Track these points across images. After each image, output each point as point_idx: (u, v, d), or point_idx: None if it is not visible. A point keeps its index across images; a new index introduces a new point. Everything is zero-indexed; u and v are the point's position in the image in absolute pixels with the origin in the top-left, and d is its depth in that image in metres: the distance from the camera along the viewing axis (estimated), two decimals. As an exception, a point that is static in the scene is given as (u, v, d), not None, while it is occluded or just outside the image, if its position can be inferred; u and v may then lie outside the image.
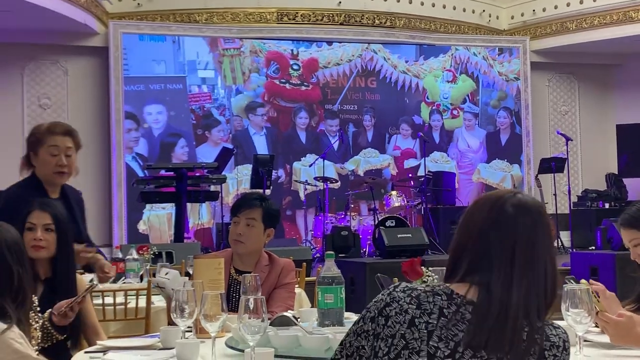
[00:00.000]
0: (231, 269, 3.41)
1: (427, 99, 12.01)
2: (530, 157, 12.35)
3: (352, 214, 10.16)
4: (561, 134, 11.35)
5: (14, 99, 10.35)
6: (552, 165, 10.82)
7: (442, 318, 1.60)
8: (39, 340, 2.66)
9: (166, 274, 3.14)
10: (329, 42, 11.64)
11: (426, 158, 10.85)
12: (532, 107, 12.44)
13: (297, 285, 4.63)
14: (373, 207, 9.92)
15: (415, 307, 1.62)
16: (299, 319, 2.62)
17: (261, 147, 11.13)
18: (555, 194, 10.97)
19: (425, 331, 1.59)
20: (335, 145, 11.10)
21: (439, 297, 1.63)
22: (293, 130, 11.43)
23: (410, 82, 11.95)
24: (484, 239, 1.67)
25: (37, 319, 2.68)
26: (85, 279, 3.41)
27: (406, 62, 11.95)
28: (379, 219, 9.42)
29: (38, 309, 2.71)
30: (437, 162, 11.83)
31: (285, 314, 2.65)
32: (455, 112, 12.16)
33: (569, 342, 1.67)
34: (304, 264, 5.55)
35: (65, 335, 2.84)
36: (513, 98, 12.39)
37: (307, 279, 5.52)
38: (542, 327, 1.62)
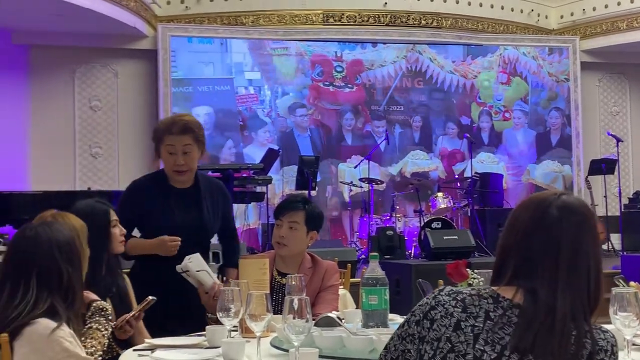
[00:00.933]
0: (274, 271, 3.42)
1: (479, 99, 11.93)
2: (580, 158, 12.17)
3: (398, 215, 10.12)
4: (612, 135, 11.16)
5: (66, 101, 10.56)
6: (603, 166, 10.65)
7: (488, 321, 1.59)
8: (105, 348, 2.70)
9: (189, 259, 3.21)
10: (374, 43, 11.62)
11: (473, 159, 10.76)
12: (582, 108, 12.25)
13: (341, 287, 4.65)
14: (419, 208, 9.87)
15: (460, 310, 1.62)
16: (343, 320, 2.62)
17: (306, 148, 11.16)
18: (605, 196, 10.80)
19: (471, 334, 1.58)
20: (382, 147, 11.07)
21: (485, 301, 1.62)
22: (339, 131, 11.44)
23: (457, 82, 11.87)
24: (528, 242, 1.66)
25: (107, 327, 2.73)
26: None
27: (453, 62, 11.87)
28: (425, 221, 9.37)
29: (110, 317, 2.76)
30: (484, 162, 11.73)
31: (329, 314, 2.66)
32: (507, 114, 12.06)
33: (617, 346, 1.65)
34: (349, 265, 5.56)
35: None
36: (564, 99, 12.22)
37: (351, 280, 5.54)
38: (590, 331, 1.60)
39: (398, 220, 9.99)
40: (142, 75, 10.88)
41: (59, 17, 9.46)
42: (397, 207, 10.34)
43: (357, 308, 3.60)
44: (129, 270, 3.66)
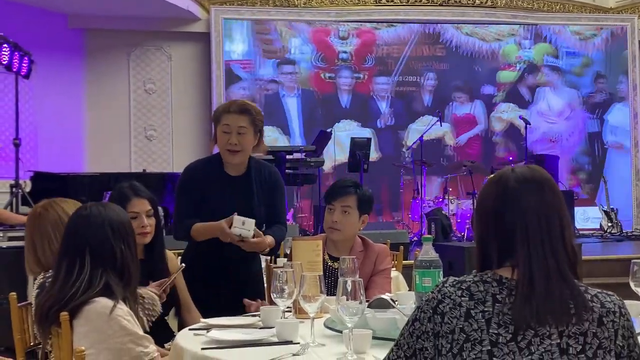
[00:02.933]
0: (325, 255, 3.41)
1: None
2: (638, 139, 11.91)
3: (450, 197, 10.04)
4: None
5: (121, 84, 10.72)
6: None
7: (497, 304, 1.61)
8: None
9: (243, 223, 3.25)
10: (428, 23, 11.53)
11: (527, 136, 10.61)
12: (640, 88, 11.99)
13: (394, 269, 4.65)
14: (472, 190, 9.78)
15: (468, 298, 1.62)
16: (396, 302, 2.62)
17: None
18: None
19: (483, 320, 1.59)
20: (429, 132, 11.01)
21: (489, 285, 1.64)
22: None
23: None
24: (499, 221, 1.69)
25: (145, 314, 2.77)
26: (176, 259, 3.48)
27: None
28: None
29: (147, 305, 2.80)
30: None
31: (383, 296, 2.66)
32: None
33: (625, 307, 1.66)
34: (401, 247, 5.55)
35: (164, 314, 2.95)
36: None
37: (404, 262, 5.52)
38: (597, 295, 1.64)
39: (451, 202, 9.91)
40: (195, 57, 10.97)
41: (114, 0, 9.59)
42: (450, 189, 10.26)
43: (409, 290, 3.59)
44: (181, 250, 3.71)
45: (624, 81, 12.02)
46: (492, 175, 1.82)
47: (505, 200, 1.70)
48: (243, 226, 3.25)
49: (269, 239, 3.44)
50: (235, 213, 3.29)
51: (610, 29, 12.02)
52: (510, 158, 11.05)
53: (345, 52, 11.37)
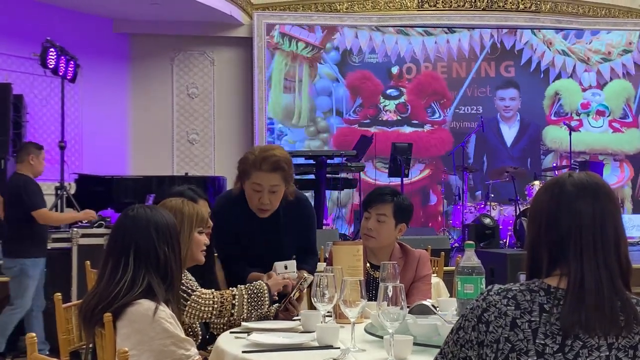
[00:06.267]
0: (367, 264, 3.39)
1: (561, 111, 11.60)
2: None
3: (492, 203, 9.95)
4: None
5: (165, 88, 10.84)
6: None
7: (544, 314, 1.57)
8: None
9: (285, 267, 3.18)
10: (468, 28, 11.45)
11: (572, 146, 10.47)
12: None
13: (434, 275, 4.62)
14: (514, 197, 9.68)
15: (514, 307, 1.59)
16: (437, 308, 2.60)
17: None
18: None
19: (529, 330, 1.56)
20: (474, 140, 10.95)
21: (536, 294, 1.60)
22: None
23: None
24: (553, 225, 1.66)
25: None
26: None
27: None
28: (521, 210, 9.18)
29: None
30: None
31: (424, 302, 2.65)
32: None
33: None
34: (442, 253, 5.52)
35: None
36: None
37: (445, 268, 5.49)
38: (638, 301, 1.60)
39: (493, 208, 9.82)
40: (238, 62, 11.05)
41: (156, 5, 9.70)
42: (492, 195, 10.18)
43: (450, 296, 3.56)
44: None
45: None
46: (547, 181, 1.78)
47: (560, 204, 1.66)
48: (286, 270, 3.19)
49: (306, 275, 3.41)
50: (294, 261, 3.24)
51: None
52: (554, 164, 10.91)
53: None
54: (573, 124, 11.08)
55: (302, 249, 3.54)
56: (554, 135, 11.56)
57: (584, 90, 11.62)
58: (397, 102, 11.10)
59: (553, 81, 11.57)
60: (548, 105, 11.60)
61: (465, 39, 11.31)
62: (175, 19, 10.38)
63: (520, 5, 11.41)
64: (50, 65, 8.13)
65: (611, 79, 11.68)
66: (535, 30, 11.47)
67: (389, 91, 11.13)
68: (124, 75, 10.71)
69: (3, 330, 5.78)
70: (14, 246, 5.84)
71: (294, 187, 3.48)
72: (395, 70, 11.12)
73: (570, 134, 10.33)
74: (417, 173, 10.97)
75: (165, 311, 2.36)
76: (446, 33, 11.26)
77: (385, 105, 11.14)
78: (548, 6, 11.50)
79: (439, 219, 11.11)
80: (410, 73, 11.19)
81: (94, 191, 7.86)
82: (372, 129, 10.92)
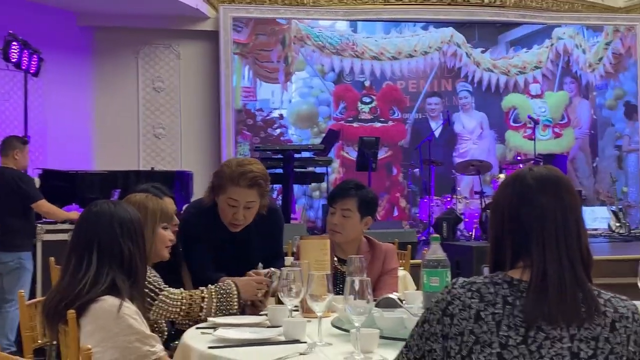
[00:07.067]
0: (334, 258, 3.40)
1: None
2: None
3: (458, 197, 10.04)
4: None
5: (130, 82, 10.73)
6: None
7: (507, 306, 1.59)
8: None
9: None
10: (427, 24, 11.56)
11: (536, 141, 10.60)
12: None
13: (401, 268, 4.64)
14: (480, 190, 9.77)
15: (478, 300, 1.61)
16: (404, 301, 2.62)
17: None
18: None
19: (493, 322, 1.58)
20: (438, 131, 11.05)
21: (500, 286, 1.62)
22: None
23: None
24: (515, 219, 1.68)
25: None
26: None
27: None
28: (486, 203, 9.27)
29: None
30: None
31: (390, 295, 2.66)
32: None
33: (639, 313, 1.64)
34: (409, 246, 5.55)
35: None
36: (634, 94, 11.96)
37: (412, 261, 5.52)
38: (610, 300, 1.62)
39: (459, 202, 9.90)
40: (204, 56, 10.98)
41: (123, -1, 9.61)
42: (458, 188, 10.26)
43: (417, 289, 3.58)
44: None
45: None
46: (509, 174, 1.80)
47: (522, 198, 1.68)
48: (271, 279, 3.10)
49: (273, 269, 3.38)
50: (261, 264, 3.21)
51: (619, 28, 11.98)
52: (519, 157, 11.03)
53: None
54: (527, 132, 11.27)
55: (269, 255, 3.52)
56: (515, 140, 11.75)
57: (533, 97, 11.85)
58: (370, 106, 11.52)
59: (504, 95, 11.82)
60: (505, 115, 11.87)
61: (421, 61, 11.64)
62: (141, 12, 10.27)
63: (486, 0, 11.48)
64: (13, 59, 8.01)
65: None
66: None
67: (364, 98, 11.49)
68: (89, 69, 10.58)
69: (11, 329, 5.71)
70: (10, 239, 5.77)
71: (268, 201, 3.41)
72: (367, 83, 11.54)
73: (534, 129, 10.46)
74: (383, 154, 11.14)
75: (130, 307, 2.34)
76: (407, 57, 11.54)
77: (362, 108, 11.49)
78: (513, 1, 11.59)
79: (403, 205, 11.22)
80: (379, 86, 11.58)
81: (58, 186, 7.75)
82: (355, 124, 11.28)
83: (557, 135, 11.96)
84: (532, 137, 10.37)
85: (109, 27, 10.51)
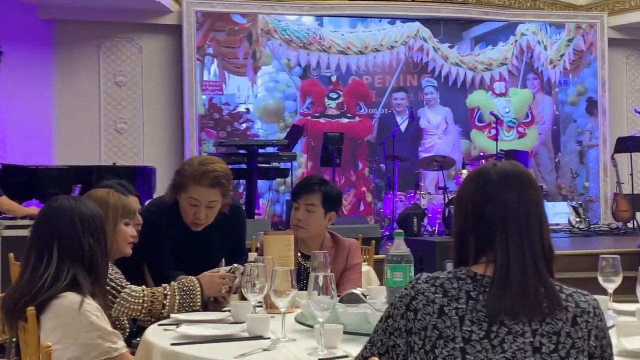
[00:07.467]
0: (297, 254, 3.38)
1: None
2: (606, 136, 12.05)
3: (422, 192, 10.10)
4: (639, 112, 11.01)
5: (91, 76, 10.60)
6: (630, 144, 10.52)
7: (471, 301, 1.60)
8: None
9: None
10: (393, 19, 11.59)
11: (499, 137, 10.70)
12: (609, 85, 12.11)
13: (365, 263, 4.65)
14: (443, 185, 9.83)
15: (441, 295, 1.62)
16: (367, 297, 2.62)
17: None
18: (631, 174, 10.68)
19: (456, 317, 1.59)
20: (403, 126, 11.11)
21: (463, 281, 1.63)
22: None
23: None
24: (479, 215, 1.69)
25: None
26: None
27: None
28: (449, 198, 9.34)
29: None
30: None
31: (354, 291, 2.66)
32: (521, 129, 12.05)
33: (600, 308, 1.67)
34: (373, 241, 5.56)
35: None
36: (595, 90, 12.14)
37: (375, 256, 5.53)
38: (572, 294, 1.64)
39: (422, 197, 9.96)
40: (167, 50, 10.88)
41: (84, -8, 9.49)
42: (421, 184, 10.32)
43: (381, 284, 3.60)
44: None
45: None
46: (473, 170, 1.81)
47: (485, 193, 1.69)
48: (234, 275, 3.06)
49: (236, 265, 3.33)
50: (223, 260, 3.17)
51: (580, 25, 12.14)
52: (481, 153, 11.13)
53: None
54: (492, 132, 11.40)
55: (232, 252, 3.48)
56: (480, 141, 11.85)
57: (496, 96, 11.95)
58: (337, 101, 11.53)
59: (470, 92, 11.88)
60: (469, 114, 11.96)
61: (387, 55, 11.64)
62: (102, 5, 10.15)
63: (449, -4, 11.58)
64: (-29, 51, 7.88)
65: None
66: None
67: (330, 94, 11.51)
68: (49, 63, 10.43)
69: None
70: None
71: (230, 200, 3.39)
72: (334, 78, 11.53)
73: (497, 129, 10.56)
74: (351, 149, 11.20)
75: (91, 304, 2.32)
76: (374, 52, 11.56)
77: (329, 104, 11.49)
78: (475, -2, 11.70)
79: (369, 200, 11.26)
80: (345, 81, 11.56)
81: (17, 181, 7.63)
82: (322, 120, 11.30)
83: (522, 135, 12.07)
84: (496, 138, 10.44)
85: (70, 20, 10.37)
